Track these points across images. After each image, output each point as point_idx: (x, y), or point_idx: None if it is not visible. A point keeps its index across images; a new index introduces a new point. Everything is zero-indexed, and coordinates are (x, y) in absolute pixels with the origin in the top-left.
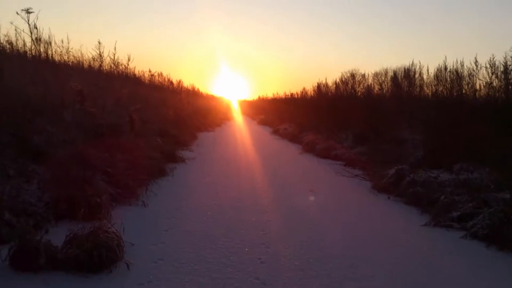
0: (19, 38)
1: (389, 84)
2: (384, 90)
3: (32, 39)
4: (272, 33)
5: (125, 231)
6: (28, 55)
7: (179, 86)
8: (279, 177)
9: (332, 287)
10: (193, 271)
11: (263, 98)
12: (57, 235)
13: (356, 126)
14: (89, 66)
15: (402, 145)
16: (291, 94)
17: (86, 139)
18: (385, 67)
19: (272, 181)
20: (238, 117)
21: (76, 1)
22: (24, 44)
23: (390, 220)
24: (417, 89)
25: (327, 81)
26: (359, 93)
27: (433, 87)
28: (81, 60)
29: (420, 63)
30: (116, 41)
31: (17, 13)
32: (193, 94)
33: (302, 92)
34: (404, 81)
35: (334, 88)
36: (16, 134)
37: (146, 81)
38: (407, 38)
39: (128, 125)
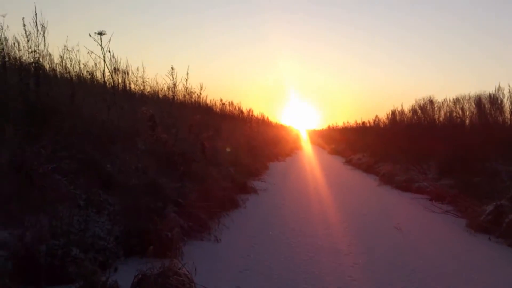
0: (98, 66)
1: (473, 110)
2: (467, 117)
3: (108, 68)
4: (343, 60)
5: (197, 272)
6: (108, 85)
7: (249, 115)
8: (357, 211)
9: None
10: None
11: (332, 127)
12: (126, 274)
13: (439, 155)
14: (164, 95)
15: (495, 177)
16: (363, 123)
17: (158, 167)
18: (462, 94)
19: (351, 215)
20: (307, 147)
21: (147, 26)
22: (103, 74)
23: (498, 269)
24: (506, 115)
25: (403, 108)
26: (438, 120)
27: None
28: (156, 89)
29: (510, 87)
30: (188, 66)
31: (90, 35)
32: (262, 123)
33: (375, 120)
34: (490, 108)
35: (410, 115)
36: (88, 161)
37: (218, 110)
38: (486, 63)
39: (200, 153)
